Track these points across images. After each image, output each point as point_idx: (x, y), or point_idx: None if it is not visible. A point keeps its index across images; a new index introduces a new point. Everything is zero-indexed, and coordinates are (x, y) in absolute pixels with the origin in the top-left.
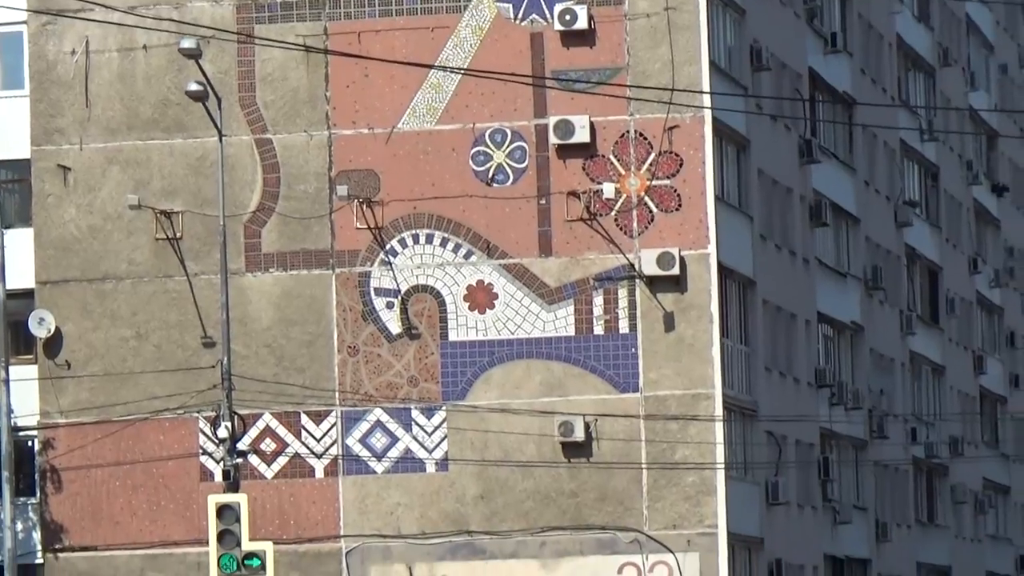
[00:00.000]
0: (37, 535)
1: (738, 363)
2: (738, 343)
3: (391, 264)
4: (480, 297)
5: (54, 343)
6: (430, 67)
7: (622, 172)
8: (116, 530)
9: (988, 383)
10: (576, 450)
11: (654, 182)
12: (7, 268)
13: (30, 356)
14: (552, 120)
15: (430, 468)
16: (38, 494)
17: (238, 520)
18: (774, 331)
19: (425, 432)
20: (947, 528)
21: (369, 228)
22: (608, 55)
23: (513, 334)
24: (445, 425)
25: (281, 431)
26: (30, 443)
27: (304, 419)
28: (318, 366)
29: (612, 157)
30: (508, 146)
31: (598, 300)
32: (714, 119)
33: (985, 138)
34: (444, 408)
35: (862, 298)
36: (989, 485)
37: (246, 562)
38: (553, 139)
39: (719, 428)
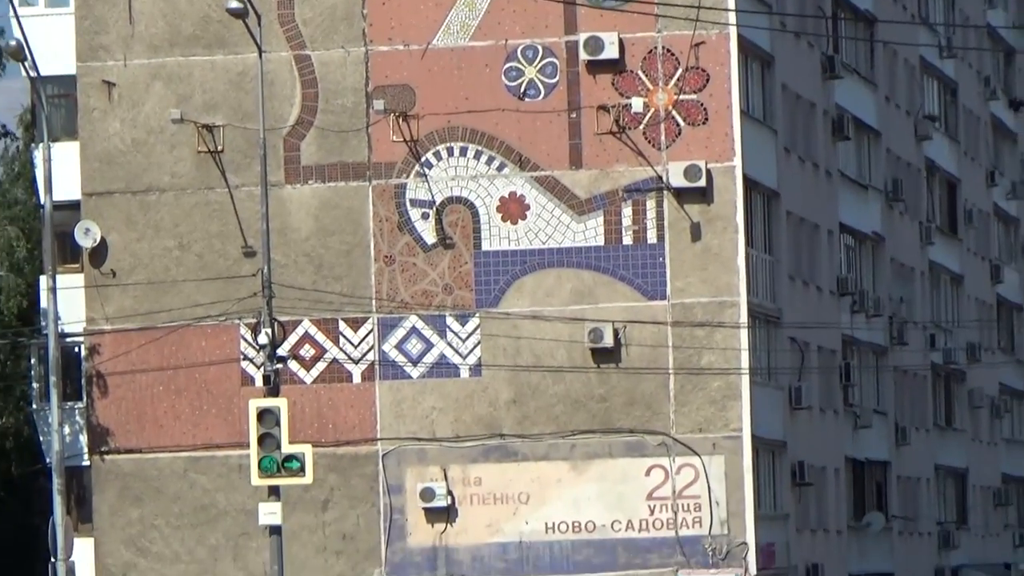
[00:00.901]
0: (84, 438)
1: (762, 272)
2: (762, 252)
3: (426, 176)
4: (512, 208)
5: (99, 253)
6: None
7: (650, 87)
8: (160, 433)
9: (1005, 292)
10: (605, 356)
11: (681, 97)
12: (54, 181)
13: (76, 265)
14: (582, 37)
15: (464, 373)
16: (84, 399)
17: (278, 424)
18: (797, 241)
19: (459, 338)
20: (964, 432)
21: (405, 141)
22: None
23: (544, 244)
24: (478, 332)
25: (319, 337)
26: (77, 349)
27: (342, 326)
28: (355, 275)
29: (640, 73)
30: (539, 62)
31: (627, 211)
32: (739, 36)
33: (1003, 55)
34: (477, 315)
35: (883, 209)
36: (1005, 390)
37: (286, 464)
38: (583, 55)
39: (744, 335)
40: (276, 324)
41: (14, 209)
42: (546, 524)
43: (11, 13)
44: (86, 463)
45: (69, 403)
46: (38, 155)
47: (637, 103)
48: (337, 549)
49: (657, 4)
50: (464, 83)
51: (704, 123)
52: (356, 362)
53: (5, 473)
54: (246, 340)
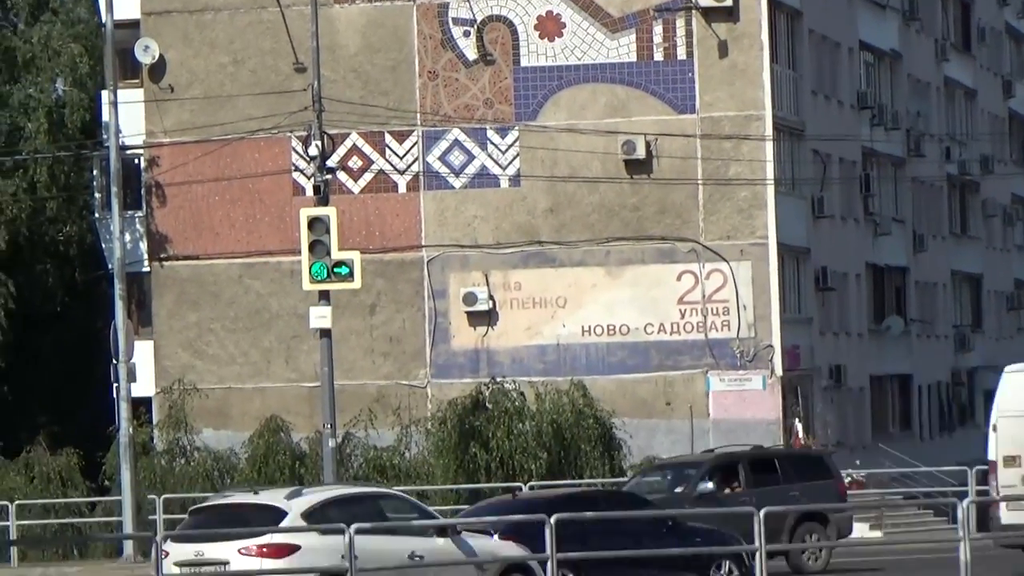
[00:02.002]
0: (144, 245)
1: (786, 87)
2: (786, 68)
3: None
4: (549, 26)
5: (158, 69)
6: None
7: None
8: (216, 240)
9: (1016, 106)
10: (638, 167)
11: None
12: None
13: (136, 81)
14: None
15: (504, 183)
16: (144, 208)
17: (328, 231)
18: (819, 58)
19: (499, 150)
20: (979, 239)
21: None
22: None
23: (580, 60)
24: (517, 144)
25: (367, 149)
26: (136, 161)
27: (388, 138)
28: (401, 89)
29: None
30: None
31: (658, 29)
32: None
33: None
34: (517, 128)
35: (900, 27)
36: (1017, 200)
37: (335, 270)
38: None
39: (769, 147)
40: (325, 136)
41: (77, 27)
42: (582, 327)
43: None
44: (146, 269)
45: (129, 212)
46: None
47: None
48: (384, 351)
49: None
50: None
51: None
52: (402, 173)
53: (69, 279)
54: (297, 152)
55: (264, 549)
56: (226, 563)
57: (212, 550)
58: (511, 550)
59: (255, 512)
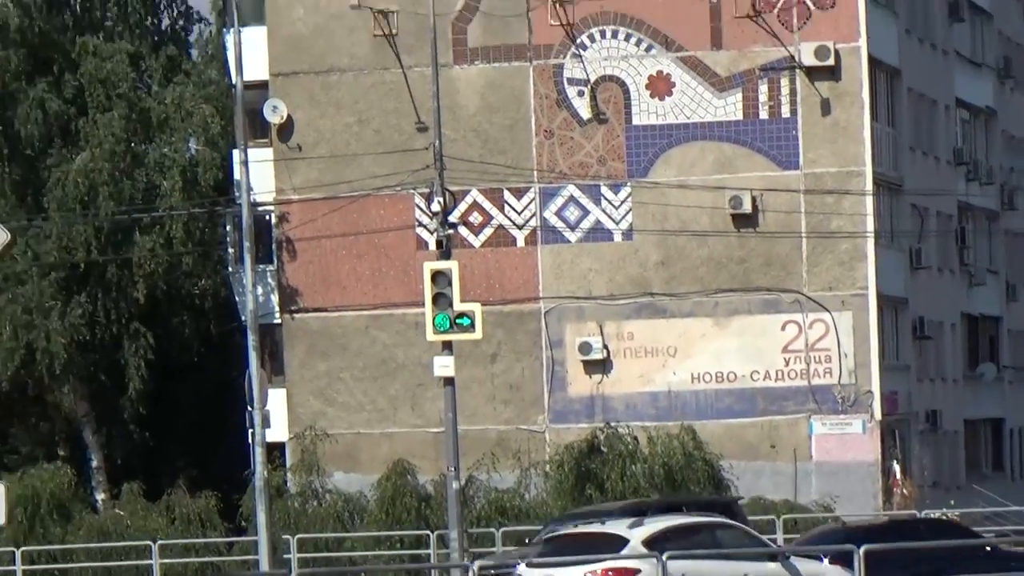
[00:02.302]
0: (275, 298)
1: (886, 143)
2: (886, 126)
3: (581, 57)
4: (660, 86)
5: (286, 128)
6: None
7: None
8: (343, 293)
9: None
10: (744, 221)
11: None
12: (244, 62)
13: (265, 140)
14: None
15: (617, 237)
16: (275, 262)
17: (450, 284)
18: (917, 115)
19: (612, 206)
20: None
21: (562, 25)
22: None
23: (688, 118)
24: (630, 199)
25: (486, 205)
26: (267, 217)
27: (506, 194)
28: (518, 148)
29: None
30: None
31: (763, 88)
32: None
33: None
34: (629, 184)
35: (995, 85)
36: None
37: (458, 321)
38: None
39: (869, 201)
40: (447, 193)
41: (208, 88)
42: (691, 375)
43: None
44: (277, 321)
45: (261, 266)
46: (230, 39)
47: None
48: (504, 398)
49: None
50: None
51: (832, 7)
52: (520, 227)
53: (204, 331)
54: (420, 208)
55: (609, 573)
56: None
57: (562, 574)
58: (836, 573)
59: (601, 540)
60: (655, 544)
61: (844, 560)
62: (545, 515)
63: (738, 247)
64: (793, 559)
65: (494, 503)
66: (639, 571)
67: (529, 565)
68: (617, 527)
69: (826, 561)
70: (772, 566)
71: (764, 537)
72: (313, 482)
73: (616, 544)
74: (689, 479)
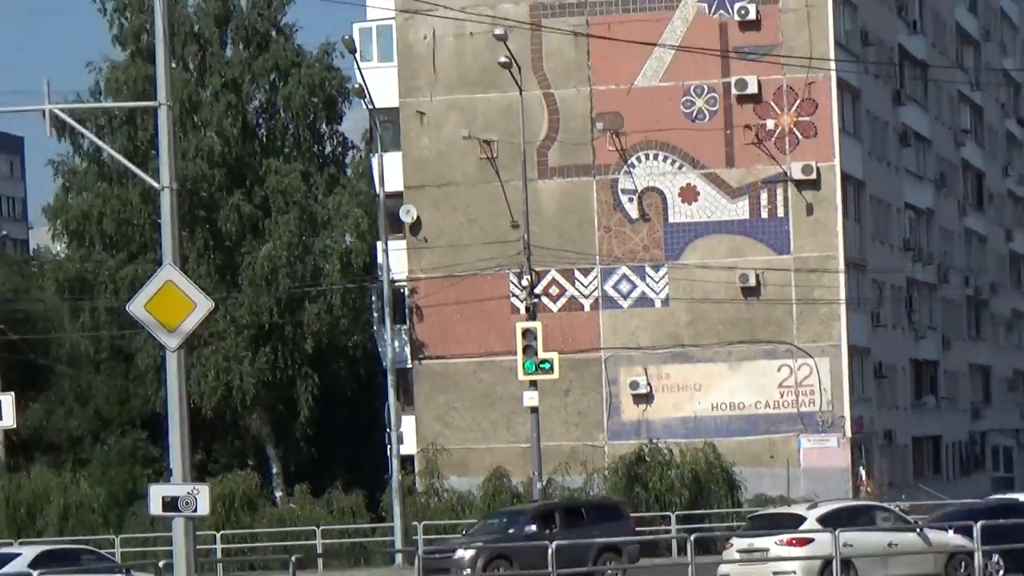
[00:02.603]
0: (408, 349)
1: (853, 236)
2: (853, 222)
3: (631, 173)
4: (688, 194)
5: (416, 226)
6: (655, 45)
7: (778, 112)
8: (457, 346)
9: (1017, 247)
10: (750, 292)
11: (799, 118)
12: (385, 178)
13: (400, 234)
14: (733, 79)
15: (657, 304)
16: (407, 322)
17: (536, 339)
18: (876, 215)
19: (654, 281)
20: (988, 340)
21: (617, 150)
22: (769, 36)
23: (709, 218)
24: (667, 277)
25: (562, 281)
26: (402, 290)
27: (576, 273)
28: (585, 239)
29: (772, 103)
30: (705, 96)
31: (764, 195)
32: (837, 77)
33: (1013, 88)
34: (666, 266)
35: (933, 192)
36: (1016, 313)
37: (541, 365)
38: (734, 91)
39: (842, 278)
40: (533, 272)
41: (359, 197)
42: (711, 404)
43: (355, 66)
44: (409, 366)
45: (397, 326)
46: (375, 161)
47: (770, 123)
48: (574, 422)
49: (782, 57)
50: (656, 110)
51: (814, 136)
52: (586, 297)
53: (356, 374)
54: (513, 283)
55: (792, 540)
56: (767, 550)
57: (759, 542)
58: (957, 540)
59: (787, 519)
60: (827, 521)
61: (965, 532)
62: None
63: (745, 311)
64: (926, 530)
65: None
66: (812, 539)
67: (737, 536)
68: (798, 509)
69: (951, 532)
70: (911, 536)
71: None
72: (435, 483)
73: (797, 521)
74: (710, 480)
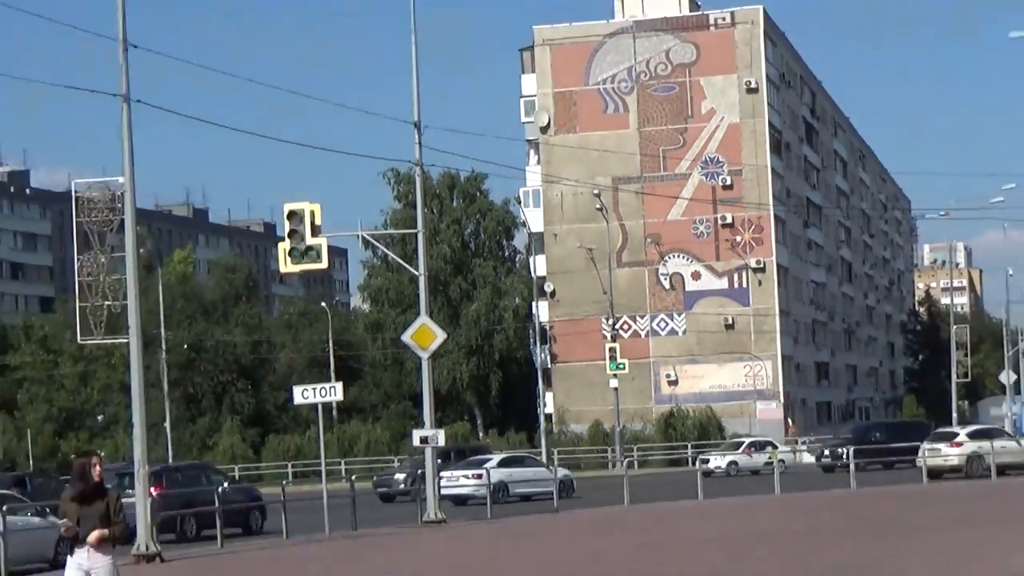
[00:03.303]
0: (548, 358)
1: (783, 297)
2: (784, 289)
3: (666, 264)
4: (695, 276)
5: (553, 294)
6: (677, 198)
7: (743, 231)
8: (574, 356)
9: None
10: (729, 327)
11: (753, 235)
12: (536, 268)
13: (544, 298)
14: (719, 215)
15: (680, 334)
16: (548, 344)
17: (616, 352)
18: (795, 286)
19: (678, 322)
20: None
21: (658, 253)
22: (737, 192)
23: (707, 288)
24: (685, 319)
25: (629, 321)
26: (545, 327)
27: (637, 318)
28: (641, 299)
29: (739, 227)
30: (704, 224)
31: (735, 276)
32: (773, 214)
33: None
34: (685, 314)
35: (825, 273)
36: None
37: (618, 365)
38: (719, 221)
39: (777, 319)
40: (613, 317)
41: (523, 278)
42: (709, 386)
43: (520, 210)
44: (549, 367)
45: (543, 346)
46: (531, 260)
47: (738, 238)
48: (635, 395)
49: (744, 203)
50: (678, 232)
51: (762, 244)
52: (642, 330)
53: (521, 371)
54: (603, 322)
55: (953, 444)
56: (939, 449)
57: (936, 444)
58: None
59: (949, 435)
60: (971, 435)
61: None
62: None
63: (727, 337)
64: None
65: (631, 439)
66: (963, 443)
67: (926, 442)
68: (956, 429)
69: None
70: (1012, 443)
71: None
72: (563, 428)
73: (954, 436)
74: (709, 426)
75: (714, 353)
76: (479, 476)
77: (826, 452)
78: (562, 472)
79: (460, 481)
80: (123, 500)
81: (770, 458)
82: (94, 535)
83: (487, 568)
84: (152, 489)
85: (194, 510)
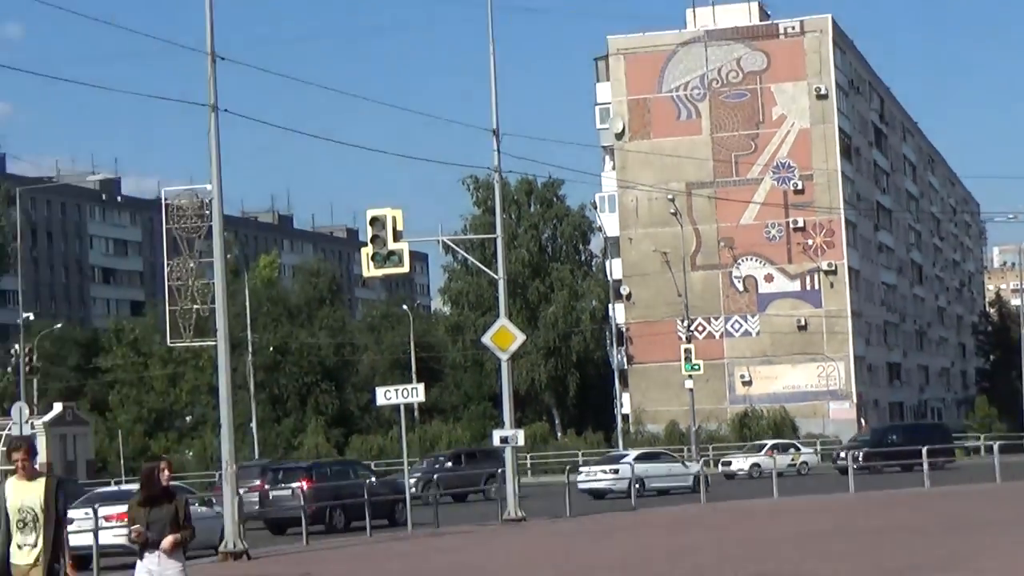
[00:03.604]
0: (624, 359)
1: (854, 299)
2: (854, 291)
3: (739, 267)
4: (768, 278)
5: (631, 297)
6: (750, 202)
7: (815, 235)
8: (650, 357)
9: None
10: (802, 328)
11: (824, 239)
12: (612, 271)
13: (620, 301)
14: (791, 219)
15: (753, 335)
16: (624, 345)
17: (691, 353)
18: (866, 288)
19: (752, 323)
20: None
21: (731, 256)
22: (809, 197)
23: (779, 290)
24: (759, 321)
25: (704, 323)
26: (621, 328)
27: (711, 319)
28: (715, 301)
29: (811, 230)
30: (776, 228)
31: (807, 278)
32: (844, 218)
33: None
34: (758, 315)
35: (896, 275)
36: None
37: (693, 366)
38: (791, 225)
39: (849, 320)
40: (688, 319)
41: (599, 281)
42: (782, 386)
43: (596, 215)
44: (625, 367)
45: (620, 347)
46: (607, 263)
47: (810, 241)
48: (710, 396)
49: (816, 207)
50: (751, 235)
51: (833, 247)
52: (716, 331)
53: (598, 372)
54: (678, 324)
55: None
56: None
57: None
58: None
59: None
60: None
61: None
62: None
63: (799, 338)
64: None
65: (706, 439)
66: None
67: None
68: None
69: None
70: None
71: None
72: (639, 428)
73: None
74: (782, 426)
75: (787, 354)
76: (616, 471)
77: (842, 455)
78: (695, 468)
79: (597, 476)
80: (273, 492)
81: (793, 460)
82: (167, 540)
83: (563, 563)
84: (304, 483)
85: (342, 502)
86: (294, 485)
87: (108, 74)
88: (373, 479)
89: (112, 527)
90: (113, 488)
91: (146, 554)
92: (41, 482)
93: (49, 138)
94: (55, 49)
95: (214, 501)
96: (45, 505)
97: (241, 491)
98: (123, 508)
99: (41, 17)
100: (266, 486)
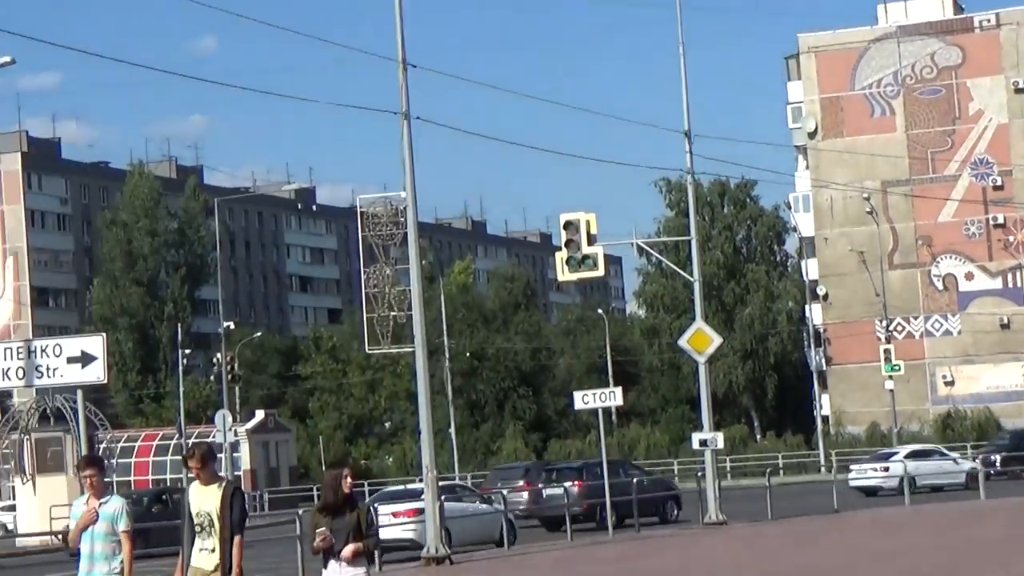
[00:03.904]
0: (823, 360)
1: None
2: None
3: (938, 266)
4: (969, 276)
5: (825, 296)
6: (948, 199)
7: (1015, 232)
8: (848, 358)
9: None
10: (1005, 327)
11: None
12: (808, 271)
13: (817, 301)
14: (990, 216)
15: (954, 334)
16: (822, 346)
17: (890, 353)
18: None
19: (952, 322)
20: None
21: (930, 255)
22: (1008, 193)
23: (980, 288)
24: (959, 319)
25: (903, 323)
26: (819, 329)
27: (911, 319)
28: (914, 300)
29: (1011, 227)
30: (976, 225)
31: (1009, 275)
32: None
33: None
34: (959, 314)
35: None
36: None
37: (893, 367)
38: (991, 222)
39: None
40: (887, 318)
41: (795, 281)
42: (986, 386)
43: (791, 215)
44: (824, 369)
45: (818, 348)
46: (803, 263)
47: (1011, 238)
48: (911, 396)
49: (1015, 203)
50: (949, 233)
51: None
52: (916, 331)
53: (796, 373)
54: (877, 324)
55: None
56: None
57: None
58: None
59: None
60: None
61: None
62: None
63: (1002, 337)
64: None
65: (908, 440)
66: None
67: None
68: None
69: None
70: None
71: None
72: (839, 430)
73: None
74: (987, 427)
75: (990, 353)
76: (886, 469)
77: (977, 459)
78: (968, 465)
79: (868, 473)
80: (547, 491)
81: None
82: (349, 549)
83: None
84: (575, 483)
85: (612, 500)
86: (567, 484)
87: (300, 84)
88: (643, 479)
89: (400, 523)
90: (399, 488)
91: (330, 562)
92: (217, 488)
93: (245, 149)
94: (247, 61)
95: (493, 499)
96: (220, 512)
97: (506, 491)
98: (412, 505)
99: (233, 29)
100: (540, 485)
